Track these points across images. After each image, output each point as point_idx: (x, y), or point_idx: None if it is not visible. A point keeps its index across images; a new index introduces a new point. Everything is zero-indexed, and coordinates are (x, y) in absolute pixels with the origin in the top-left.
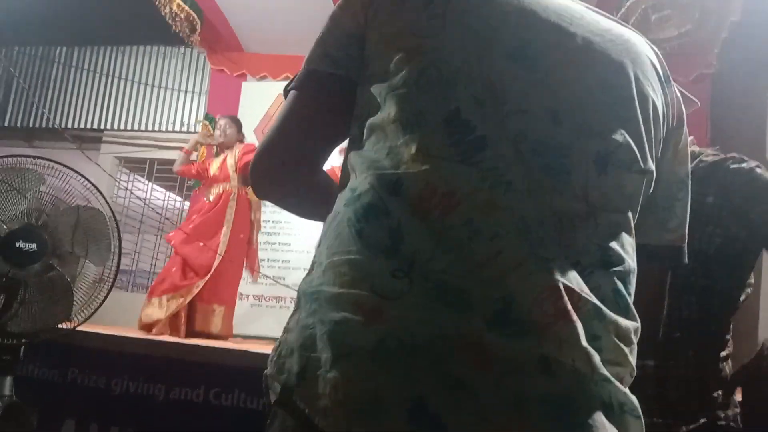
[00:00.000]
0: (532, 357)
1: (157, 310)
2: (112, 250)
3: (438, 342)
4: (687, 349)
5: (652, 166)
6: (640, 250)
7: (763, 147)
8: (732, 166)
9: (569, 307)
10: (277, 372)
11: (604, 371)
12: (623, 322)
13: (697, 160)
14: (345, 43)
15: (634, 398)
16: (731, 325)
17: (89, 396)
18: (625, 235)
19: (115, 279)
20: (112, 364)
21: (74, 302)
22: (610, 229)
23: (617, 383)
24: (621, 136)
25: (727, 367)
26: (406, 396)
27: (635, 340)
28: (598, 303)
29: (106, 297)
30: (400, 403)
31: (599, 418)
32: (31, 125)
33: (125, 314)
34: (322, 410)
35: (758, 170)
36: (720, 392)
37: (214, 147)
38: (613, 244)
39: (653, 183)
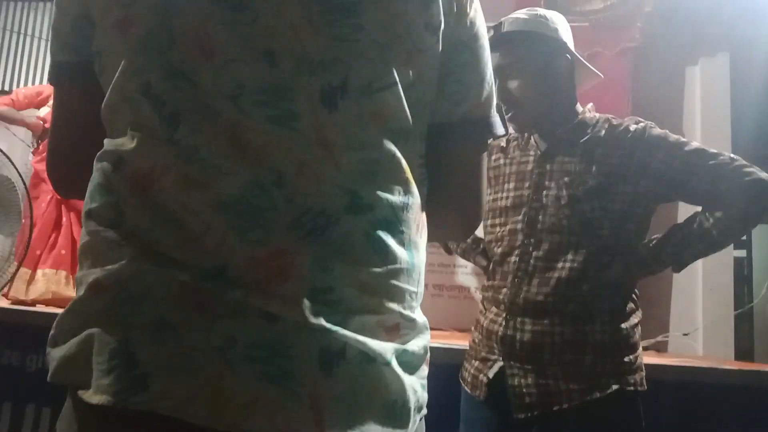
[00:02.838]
0: (248, 308)
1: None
2: (23, 220)
3: (153, 291)
4: (603, 314)
5: (405, 69)
6: (439, 132)
7: (680, 121)
8: (631, 127)
9: (285, 267)
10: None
11: (323, 323)
12: (373, 270)
13: (600, 126)
14: (77, 28)
15: (378, 345)
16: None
17: (2, 374)
18: (386, 171)
19: (27, 251)
20: (27, 340)
21: None
22: (359, 168)
23: (349, 333)
24: (346, 60)
25: (637, 334)
26: (111, 340)
27: (402, 282)
28: (328, 257)
29: (17, 269)
30: (104, 349)
31: (309, 366)
32: None
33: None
34: (55, 370)
35: (652, 127)
36: (631, 357)
37: None
38: (365, 186)
39: (436, 63)
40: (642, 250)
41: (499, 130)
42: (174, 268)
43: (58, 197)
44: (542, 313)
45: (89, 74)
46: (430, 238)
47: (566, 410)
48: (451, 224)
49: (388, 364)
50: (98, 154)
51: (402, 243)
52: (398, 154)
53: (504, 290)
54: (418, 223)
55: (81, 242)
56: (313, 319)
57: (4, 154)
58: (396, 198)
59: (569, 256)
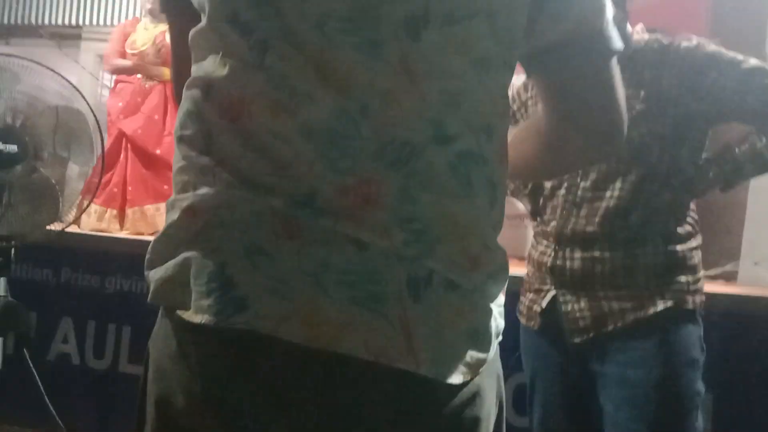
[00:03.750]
0: (337, 235)
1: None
2: (95, 151)
3: (246, 217)
4: (656, 237)
5: None
6: (548, 55)
7: (764, 39)
8: (682, 46)
9: (372, 196)
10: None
11: (410, 251)
12: (456, 201)
13: (648, 48)
14: None
15: (462, 273)
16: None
17: (84, 295)
18: (471, 101)
19: (100, 180)
20: (106, 265)
21: (61, 204)
22: (443, 98)
23: (435, 261)
24: None
25: (696, 257)
26: (209, 264)
27: (484, 213)
28: (413, 187)
29: (92, 198)
30: (203, 272)
31: (398, 292)
32: (7, 22)
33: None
34: (154, 292)
35: (705, 45)
36: (689, 278)
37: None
38: (449, 116)
39: None
40: (690, 171)
41: (616, 44)
42: (265, 196)
43: (121, 136)
44: (591, 242)
45: (188, 4)
46: (565, 168)
47: (621, 330)
48: (584, 147)
49: (471, 291)
50: (187, 81)
51: (485, 174)
52: (483, 84)
53: (552, 223)
54: (501, 154)
55: (174, 167)
56: (400, 247)
57: (75, 87)
58: (480, 129)
59: (617, 185)
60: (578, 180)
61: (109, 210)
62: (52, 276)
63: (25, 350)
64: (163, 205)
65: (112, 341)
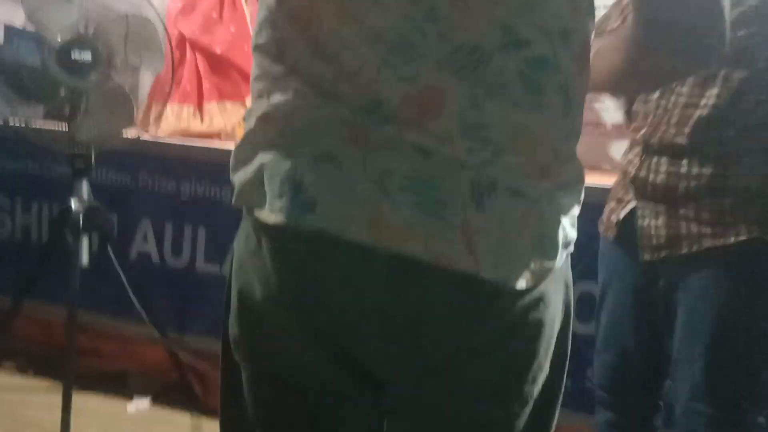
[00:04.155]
0: (402, 142)
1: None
2: (165, 59)
3: (316, 124)
4: (753, 156)
5: None
6: None
7: None
8: None
9: (437, 103)
10: None
11: (474, 158)
12: (525, 110)
13: None
14: None
15: (528, 182)
16: None
17: (161, 198)
18: (546, 2)
19: (171, 87)
20: (179, 169)
21: (136, 110)
22: (517, 4)
23: (500, 169)
24: None
25: None
26: (282, 168)
27: (555, 122)
28: (480, 95)
29: (165, 103)
30: (276, 175)
31: (461, 198)
32: None
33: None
34: (236, 194)
35: None
36: None
37: None
38: (521, 20)
39: None
40: None
41: None
42: (333, 103)
43: (182, 35)
44: (679, 155)
45: None
46: (653, 83)
47: (696, 255)
48: (675, 52)
49: (537, 201)
50: None
51: (557, 82)
52: None
53: (642, 130)
54: (580, 59)
55: (252, 75)
56: (464, 155)
57: None
58: (556, 33)
59: (714, 91)
60: (674, 85)
61: (186, 107)
62: (130, 180)
63: (108, 248)
64: (230, 103)
65: (189, 242)
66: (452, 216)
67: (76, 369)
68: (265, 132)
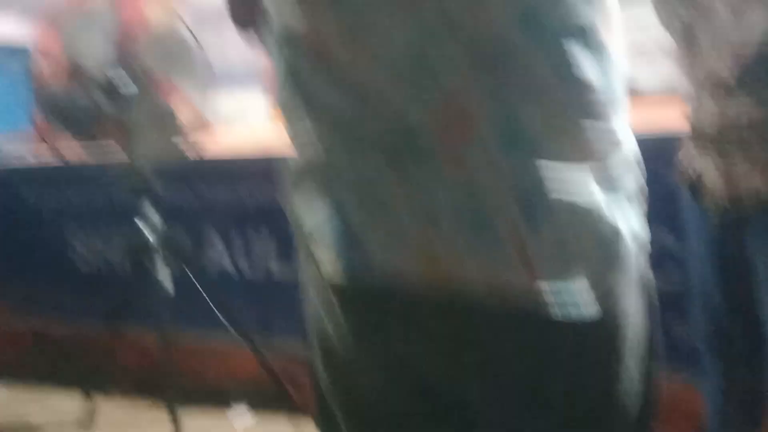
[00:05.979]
0: (441, 170)
1: None
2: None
3: (354, 164)
4: None
5: None
6: None
7: None
8: None
9: (466, 115)
10: None
11: (515, 159)
12: (559, 104)
13: None
14: None
15: (573, 168)
16: None
17: (225, 209)
18: None
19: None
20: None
21: (183, 127)
22: None
23: (542, 162)
24: None
25: None
26: (334, 225)
27: (590, 96)
28: (507, 90)
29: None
30: (328, 234)
31: (508, 211)
32: None
33: None
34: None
35: None
36: None
37: None
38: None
39: None
40: None
41: None
42: (359, 136)
43: None
44: (728, 93)
45: None
46: None
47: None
48: None
49: (590, 210)
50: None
51: (589, 47)
52: None
53: (697, 66)
54: (609, 17)
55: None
56: (503, 160)
57: (178, 15)
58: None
59: None
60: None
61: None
62: (190, 193)
63: (185, 268)
64: None
65: (262, 251)
66: (502, 233)
67: (179, 389)
68: (310, 182)
